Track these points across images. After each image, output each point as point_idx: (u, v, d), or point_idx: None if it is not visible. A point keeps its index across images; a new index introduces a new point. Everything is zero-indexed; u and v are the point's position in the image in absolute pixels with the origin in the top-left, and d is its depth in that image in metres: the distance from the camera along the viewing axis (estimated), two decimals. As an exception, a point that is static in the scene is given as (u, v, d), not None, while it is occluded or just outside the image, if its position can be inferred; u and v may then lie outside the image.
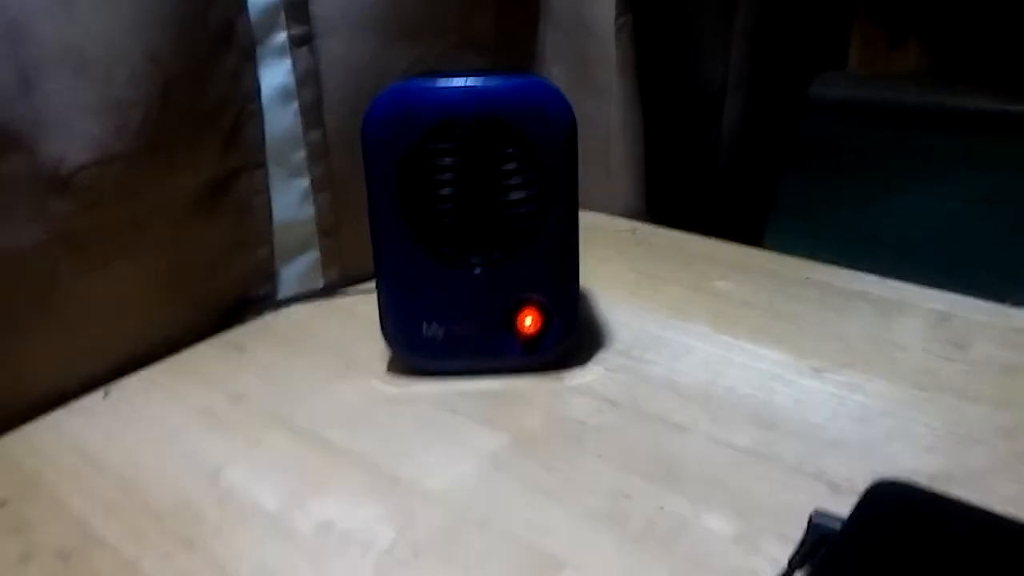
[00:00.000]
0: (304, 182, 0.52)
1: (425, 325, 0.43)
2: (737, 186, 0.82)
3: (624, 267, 0.58)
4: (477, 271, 0.42)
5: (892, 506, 0.29)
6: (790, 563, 0.30)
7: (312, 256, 0.55)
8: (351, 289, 0.55)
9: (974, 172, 0.86)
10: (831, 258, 0.55)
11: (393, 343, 0.44)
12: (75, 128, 0.40)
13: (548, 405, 0.42)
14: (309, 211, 0.53)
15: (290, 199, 0.52)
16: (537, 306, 0.43)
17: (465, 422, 0.41)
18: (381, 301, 0.43)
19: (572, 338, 0.44)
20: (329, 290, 0.55)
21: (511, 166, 0.41)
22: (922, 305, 0.49)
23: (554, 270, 0.43)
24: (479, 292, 0.43)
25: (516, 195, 0.41)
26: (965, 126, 0.87)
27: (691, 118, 0.77)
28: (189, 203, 0.47)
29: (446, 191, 0.41)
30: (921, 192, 0.89)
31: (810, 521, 0.31)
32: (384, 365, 0.46)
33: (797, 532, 0.31)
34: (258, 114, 0.49)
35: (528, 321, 0.43)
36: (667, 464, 0.37)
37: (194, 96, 0.44)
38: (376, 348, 0.45)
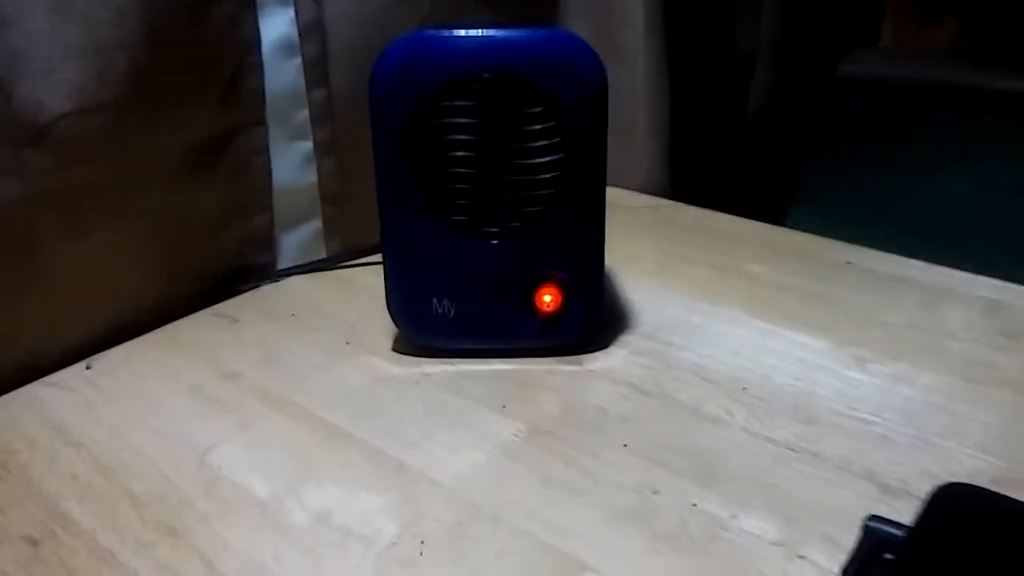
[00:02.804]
0: (307, 145, 0.49)
1: (435, 301, 0.40)
2: (762, 163, 0.79)
3: (647, 245, 0.54)
4: (493, 242, 0.39)
5: (962, 512, 0.26)
6: (844, 573, 0.26)
7: (314, 225, 0.51)
8: (356, 261, 0.51)
9: (1011, 157, 0.82)
10: (856, 243, 0.51)
11: (399, 320, 0.41)
12: (54, 72, 0.36)
13: (567, 390, 0.38)
14: (312, 176, 0.50)
15: (291, 163, 0.49)
16: (557, 282, 0.40)
17: (476, 407, 0.37)
18: (387, 273, 0.40)
19: (595, 319, 0.41)
20: (332, 262, 0.51)
21: (535, 127, 0.37)
22: (971, 292, 0.46)
23: (578, 243, 0.39)
24: (494, 265, 0.39)
25: (539, 160, 0.37)
26: (1003, 108, 0.83)
27: (718, 88, 0.73)
28: (181, 162, 0.43)
29: (461, 154, 0.37)
30: (955, 177, 0.85)
31: (865, 527, 0.27)
32: (389, 343, 0.42)
33: (845, 537, 0.28)
34: (258, 67, 0.45)
35: (547, 299, 0.40)
36: (699, 458, 0.33)
37: (186, 42, 0.40)
38: (381, 325, 0.42)
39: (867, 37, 0.94)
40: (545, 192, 0.38)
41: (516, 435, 0.35)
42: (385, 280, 0.40)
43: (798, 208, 0.84)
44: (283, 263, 0.51)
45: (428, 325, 0.40)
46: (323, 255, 0.52)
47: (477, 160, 0.37)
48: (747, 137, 0.78)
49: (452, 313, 0.40)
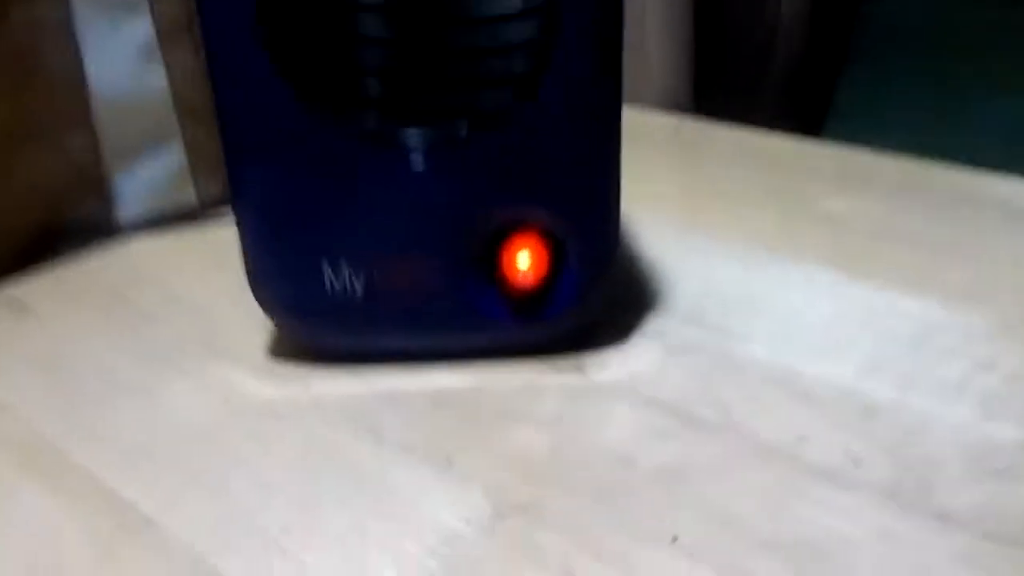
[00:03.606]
0: (144, 25, 0.31)
1: (327, 269, 0.23)
2: (796, 74, 0.62)
3: (672, 179, 0.37)
4: (426, 164, 0.22)
5: None
6: None
7: (173, 153, 0.34)
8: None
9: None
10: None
11: (269, 301, 0.24)
12: None
13: (561, 423, 0.22)
14: (158, 76, 0.32)
15: (120, 54, 0.31)
16: (540, 233, 0.23)
17: (400, 461, 0.21)
18: (242, 224, 0.23)
19: (602, 292, 0.24)
20: (204, 210, 0.34)
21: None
22: None
23: (573, 163, 0.22)
24: (429, 204, 0.22)
25: (506, 5, 0.20)
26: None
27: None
28: None
29: None
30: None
31: None
32: (264, 342, 0.26)
33: None
34: None
35: (524, 260, 0.23)
36: (815, 557, 0.17)
37: None
38: (260, 315, 0.25)
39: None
40: (515, 68, 0.21)
41: (469, 521, 0.19)
42: (240, 238, 0.23)
43: (833, 129, 0.68)
44: (126, 212, 0.34)
45: (320, 311, 0.23)
46: (193, 199, 0.35)
47: (391, 7, 0.20)
48: (778, 43, 0.61)
49: (358, 289, 0.23)
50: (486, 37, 0.20)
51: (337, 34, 0.20)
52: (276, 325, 0.25)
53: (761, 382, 0.23)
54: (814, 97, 0.65)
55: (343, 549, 0.18)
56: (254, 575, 0.18)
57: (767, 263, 0.29)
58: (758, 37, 0.59)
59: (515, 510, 0.19)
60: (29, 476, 0.21)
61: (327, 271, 0.23)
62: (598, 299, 0.24)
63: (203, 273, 0.30)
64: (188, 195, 0.35)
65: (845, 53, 0.70)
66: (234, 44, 0.20)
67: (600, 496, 0.19)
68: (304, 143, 0.21)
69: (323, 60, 0.21)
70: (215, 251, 0.32)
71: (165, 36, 0.32)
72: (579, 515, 0.19)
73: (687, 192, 0.36)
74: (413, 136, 0.21)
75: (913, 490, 0.19)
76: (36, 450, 0.22)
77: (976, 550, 0.18)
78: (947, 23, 0.72)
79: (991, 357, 0.24)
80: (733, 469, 0.20)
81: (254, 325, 0.26)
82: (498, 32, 0.20)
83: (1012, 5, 0.69)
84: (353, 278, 0.23)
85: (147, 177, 0.34)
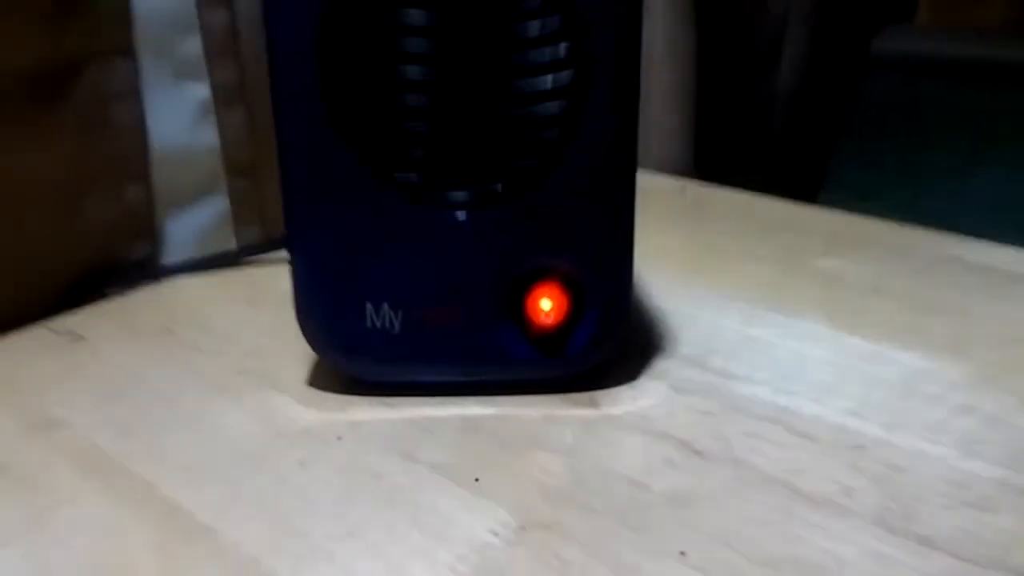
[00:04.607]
0: (201, 89, 0.34)
1: (370, 308, 0.25)
2: (792, 145, 0.66)
3: (677, 236, 0.40)
4: (460, 217, 0.24)
5: None
6: None
7: (217, 204, 0.37)
8: (276, 255, 0.37)
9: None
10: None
11: (315, 337, 0.26)
12: None
13: (578, 452, 0.24)
14: (210, 135, 0.35)
15: (179, 114, 0.34)
16: (561, 280, 0.25)
17: (432, 481, 0.23)
18: (295, 266, 0.26)
19: (618, 335, 0.27)
20: (238, 257, 0.37)
21: (532, 31, 0.23)
22: None
23: (594, 219, 0.25)
24: (463, 253, 0.25)
25: (537, 84, 0.23)
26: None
27: (748, 55, 0.60)
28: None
29: (412, 75, 0.23)
30: (1004, 165, 0.73)
31: None
32: (304, 374, 0.28)
33: None
34: (119, -31, 0.31)
35: (546, 305, 0.25)
36: (806, 572, 0.19)
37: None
38: (296, 347, 0.27)
39: (903, 13, 0.82)
40: (544, 136, 0.24)
41: (497, 533, 0.21)
42: (293, 276, 0.26)
43: (826, 197, 0.71)
44: (172, 255, 0.36)
45: (360, 345, 0.26)
46: (233, 245, 0.37)
47: (437, 84, 0.23)
48: (775, 116, 0.65)
49: (396, 327, 0.25)
50: (520, 111, 0.24)
51: (390, 108, 0.23)
52: (320, 357, 0.27)
53: (760, 420, 0.25)
54: (809, 166, 0.69)
55: (383, 556, 0.20)
56: (304, 576, 0.19)
57: (765, 313, 0.32)
58: (756, 109, 0.63)
59: (537, 525, 0.21)
60: (92, 487, 0.23)
61: (370, 310, 0.25)
62: (614, 341, 0.27)
63: (242, 310, 0.33)
64: (229, 241, 0.38)
65: (840, 126, 0.74)
66: (303, 115, 0.23)
67: (615, 515, 0.21)
68: (358, 198, 0.24)
69: (378, 129, 0.24)
70: (253, 291, 0.34)
71: (219, 99, 0.35)
72: (596, 531, 0.21)
73: (691, 247, 0.38)
74: (455, 195, 0.24)
75: (899, 517, 0.21)
76: (97, 463, 0.24)
77: (955, 570, 0.19)
78: (932, 102, 0.76)
79: (970, 403, 0.26)
80: (735, 496, 0.22)
81: (293, 357, 0.28)
82: (531, 107, 0.23)
83: (988, 88, 0.73)
84: (393, 317, 0.25)
85: (193, 224, 0.36)
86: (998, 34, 0.81)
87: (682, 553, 0.20)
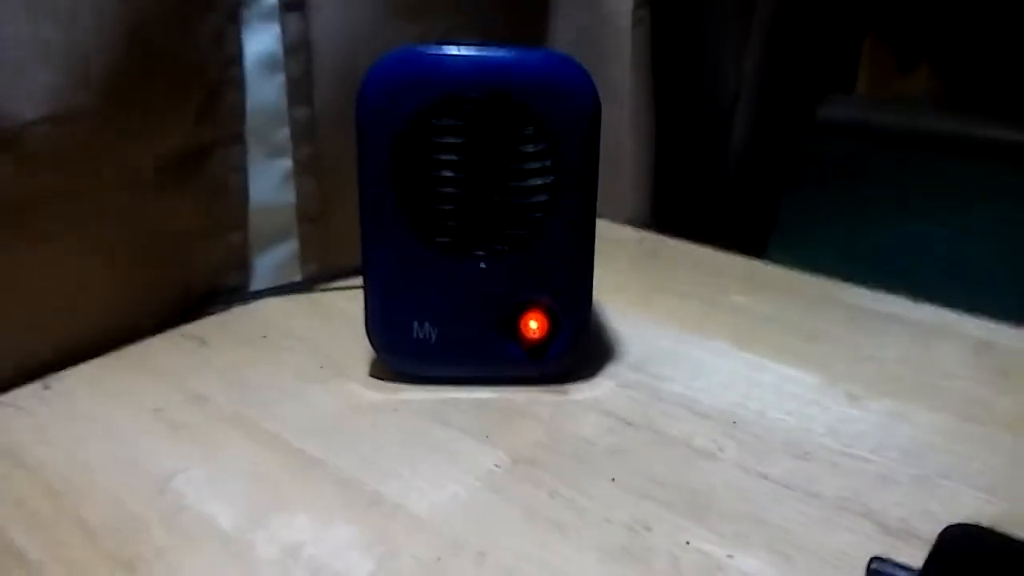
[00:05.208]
0: (286, 163, 0.47)
1: (416, 325, 0.38)
2: (743, 201, 0.79)
3: (633, 277, 0.53)
4: (479, 266, 0.37)
5: (971, 555, 0.25)
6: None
7: (291, 245, 0.49)
8: (333, 284, 0.49)
9: (985, 202, 0.83)
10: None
11: (378, 344, 0.39)
12: (27, 76, 0.34)
13: (552, 421, 0.37)
14: (290, 195, 0.48)
15: (269, 181, 0.47)
16: (544, 308, 0.38)
17: (458, 436, 0.35)
18: (367, 295, 0.38)
19: (581, 346, 0.40)
20: (308, 284, 0.50)
21: (526, 149, 0.36)
22: (961, 331, 0.45)
23: (566, 270, 0.38)
24: (479, 290, 0.38)
25: (529, 182, 0.36)
26: (978, 154, 0.85)
27: (703, 126, 0.73)
28: (154, 175, 0.41)
29: (449, 174, 0.36)
30: (928, 219, 0.86)
31: (869, 568, 0.26)
32: (366, 368, 0.40)
33: (848, 581, 0.27)
34: (239, 82, 0.44)
35: (533, 325, 0.38)
36: (692, 494, 0.32)
37: (167, 52, 0.39)
38: (357, 349, 0.40)
39: (844, 83, 0.96)
40: (534, 215, 0.37)
41: (499, 466, 0.33)
42: (365, 302, 0.38)
43: (775, 244, 0.84)
44: (257, 285, 0.49)
45: (408, 350, 0.38)
46: (299, 276, 0.50)
47: (465, 181, 0.36)
48: (728, 174, 0.78)
49: (434, 338, 0.38)
50: (518, 200, 0.36)
51: (435, 196, 0.36)
52: (378, 356, 0.40)
53: (674, 405, 0.38)
54: (759, 218, 0.82)
55: (429, 478, 0.33)
56: (388, 488, 0.32)
57: (690, 336, 0.44)
58: (711, 169, 0.76)
59: (525, 462, 0.34)
60: (240, 435, 0.35)
61: (415, 327, 0.38)
62: (578, 352, 0.39)
63: (316, 324, 0.45)
64: (296, 273, 0.50)
65: (788, 182, 0.87)
66: (378, 197, 0.36)
67: (573, 458, 0.34)
68: (411, 251, 0.37)
69: (426, 208, 0.36)
70: (321, 310, 0.47)
71: (298, 170, 0.48)
72: (561, 466, 0.33)
73: (641, 285, 0.51)
74: (476, 252, 0.37)
75: (752, 462, 0.34)
76: (239, 423, 0.36)
77: (783, 494, 0.32)
78: (868, 161, 0.90)
79: (816, 398, 0.39)
80: (649, 449, 0.35)
81: (359, 356, 0.41)
82: (525, 198, 0.36)
83: (912, 152, 0.86)
84: (431, 332, 0.38)
85: (274, 260, 0.49)
86: (926, 105, 0.95)
87: (612, 479, 0.33)
